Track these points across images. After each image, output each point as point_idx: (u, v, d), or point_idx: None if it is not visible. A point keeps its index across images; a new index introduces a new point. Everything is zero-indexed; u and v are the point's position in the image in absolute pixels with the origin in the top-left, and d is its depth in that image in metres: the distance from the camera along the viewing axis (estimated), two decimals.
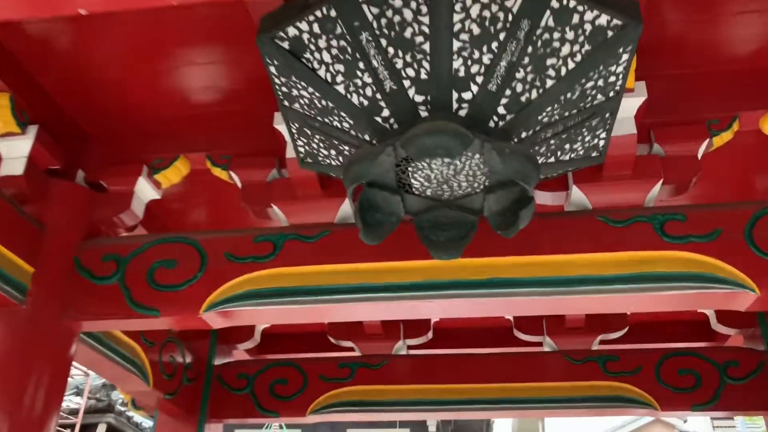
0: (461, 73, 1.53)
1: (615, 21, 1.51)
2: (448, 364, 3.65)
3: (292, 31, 1.59)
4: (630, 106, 2.22)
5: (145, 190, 2.75)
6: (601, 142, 1.90)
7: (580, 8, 1.48)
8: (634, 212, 2.31)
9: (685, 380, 3.42)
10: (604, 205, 2.38)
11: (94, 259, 2.56)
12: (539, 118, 1.64)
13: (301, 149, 1.98)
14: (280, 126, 2.38)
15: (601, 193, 2.37)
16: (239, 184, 2.65)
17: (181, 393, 3.48)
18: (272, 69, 1.70)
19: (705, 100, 2.45)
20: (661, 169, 2.34)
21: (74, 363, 2.72)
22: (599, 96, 1.70)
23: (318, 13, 1.54)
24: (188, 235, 2.57)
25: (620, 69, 1.64)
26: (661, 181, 2.33)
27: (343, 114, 1.69)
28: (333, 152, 1.89)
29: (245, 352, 4.09)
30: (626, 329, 3.61)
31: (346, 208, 2.50)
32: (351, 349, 3.88)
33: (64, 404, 9.91)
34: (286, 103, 1.80)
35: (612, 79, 1.66)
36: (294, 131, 1.91)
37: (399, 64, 1.55)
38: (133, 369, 3.09)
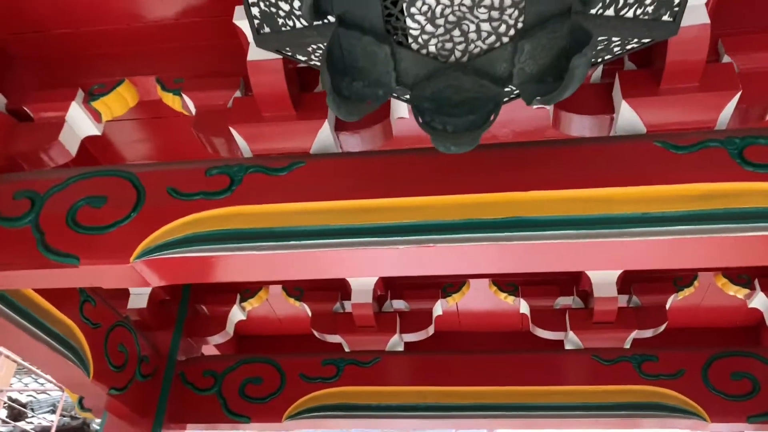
0: None
1: None
2: (451, 364, 3.00)
3: None
4: None
5: (79, 121, 2.15)
6: None
7: None
8: (704, 135, 1.70)
9: (739, 386, 2.76)
10: (663, 127, 1.77)
11: (4, 197, 1.95)
12: None
13: (255, 11, 1.38)
14: (242, 21, 1.79)
15: (658, 110, 1.76)
16: (192, 110, 2.06)
17: (132, 389, 2.83)
18: None
19: None
20: (738, 80, 1.74)
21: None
22: None
23: None
24: (123, 168, 1.96)
25: None
26: (738, 95, 1.72)
27: None
28: (296, 3, 1.29)
29: (215, 349, 3.45)
30: (665, 325, 2.96)
31: (325, 134, 1.90)
32: (338, 347, 3.24)
33: (36, 421, 9.13)
34: None
35: None
36: None
37: None
38: (67, 353, 2.45)
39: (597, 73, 1.90)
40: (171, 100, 2.11)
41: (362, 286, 3.02)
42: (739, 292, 2.97)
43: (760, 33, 1.86)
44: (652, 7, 1.30)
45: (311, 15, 1.07)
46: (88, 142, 2.29)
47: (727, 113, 1.75)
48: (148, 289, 3.06)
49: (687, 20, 1.58)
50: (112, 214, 1.85)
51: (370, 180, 1.79)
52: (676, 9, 1.32)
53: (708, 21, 1.62)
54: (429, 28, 1.18)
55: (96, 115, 2.16)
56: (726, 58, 1.83)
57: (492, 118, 1.24)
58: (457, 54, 1.22)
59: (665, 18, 1.33)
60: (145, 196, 1.87)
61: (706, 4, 1.65)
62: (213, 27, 2.08)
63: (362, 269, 1.87)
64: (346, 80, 1.20)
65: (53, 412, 7.76)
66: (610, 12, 1.23)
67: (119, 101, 2.16)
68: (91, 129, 2.18)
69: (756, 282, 2.92)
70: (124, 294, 3.10)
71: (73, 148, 2.15)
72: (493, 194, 1.70)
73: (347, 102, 1.19)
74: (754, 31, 1.87)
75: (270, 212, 1.78)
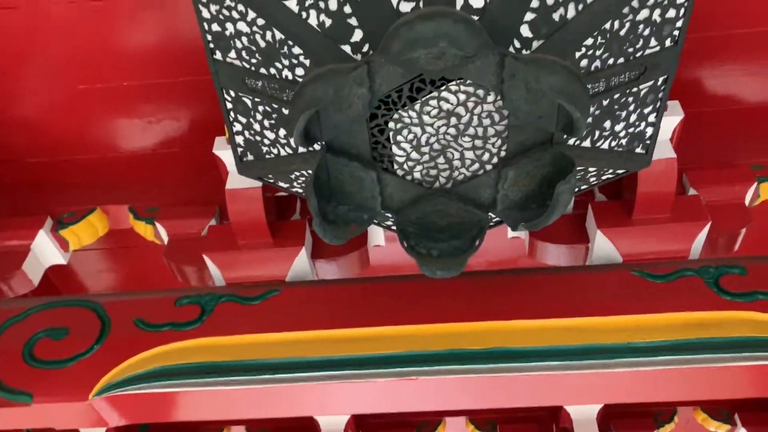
0: None
1: None
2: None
3: None
4: (665, 126, 1.72)
5: (45, 250, 2.09)
6: (649, 130, 1.36)
7: None
8: (680, 265, 1.73)
9: None
10: (639, 257, 1.80)
11: None
12: (576, 55, 1.12)
13: (240, 139, 1.40)
14: (222, 151, 1.82)
15: (633, 240, 1.80)
16: (165, 239, 2.03)
17: None
18: None
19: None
20: (706, 211, 1.80)
21: None
22: (653, 41, 1.20)
23: None
24: (88, 297, 1.88)
25: None
26: (708, 226, 1.78)
27: (295, 50, 1.15)
28: (282, 132, 1.32)
29: None
30: None
31: (301, 261, 1.87)
32: None
33: None
34: (218, 54, 1.26)
35: (671, 13, 1.17)
36: (229, 106, 1.35)
37: None
38: None
39: (570, 204, 1.95)
40: (143, 228, 2.09)
41: (333, 425, 2.86)
42: (720, 428, 2.90)
43: (719, 168, 1.97)
44: (625, 139, 1.36)
45: (302, 142, 1.09)
46: (50, 272, 2.22)
47: (699, 243, 1.79)
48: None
49: (655, 154, 1.66)
50: (73, 347, 1.75)
51: (348, 308, 1.74)
52: (648, 142, 1.39)
53: (674, 155, 1.70)
54: (414, 155, 1.20)
55: (63, 244, 2.11)
56: (692, 191, 1.90)
57: (477, 243, 1.24)
58: (442, 180, 1.24)
59: (638, 150, 1.40)
60: (110, 328, 1.79)
61: (671, 140, 1.74)
62: (191, 156, 2.10)
63: (339, 405, 1.77)
64: (332, 204, 1.20)
65: None
66: (587, 143, 1.29)
67: (89, 230, 2.13)
68: (57, 258, 2.12)
69: (736, 417, 2.87)
70: None
71: (36, 278, 2.08)
72: (475, 323, 1.67)
73: (333, 226, 1.18)
74: (713, 166, 1.97)
75: (242, 344, 1.71)
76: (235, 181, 1.80)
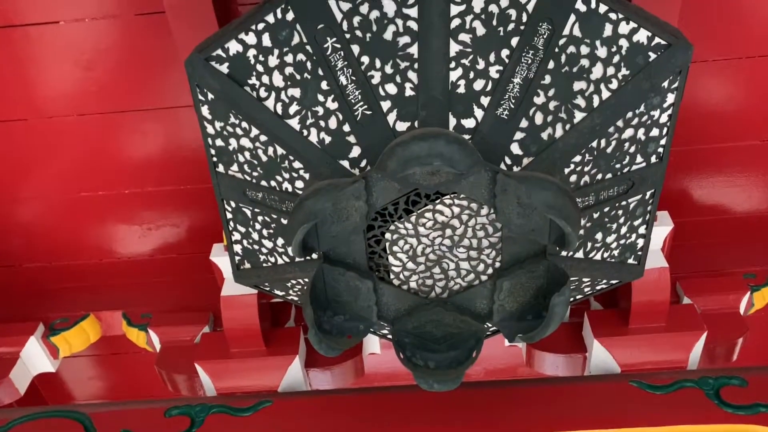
0: (461, 89, 1.10)
1: (657, 40, 1.14)
2: None
3: (234, 46, 1.17)
4: (656, 237, 1.77)
5: (34, 357, 2.07)
6: (640, 242, 1.40)
7: (613, 16, 1.11)
8: (679, 375, 1.72)
9: None
10: (637, 367, 1.79)
11: None
12: (565, 171, 1.17)
13: (238, 248, 1.43)
14: (219, 258, 1.85)
15: (630, 350, 1.80)
16: (157, 346, 2.01)
17: None
18: (205, 110, 1.24)
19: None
20: (701, 320, 1.81)
21: None
22: (639, 157, 1.25)
23: (270, 18, 1.14)
24: (74, 408, 1.84)
25: (665, 117, 1.22)
26: (704, 335, 1.78)
27: (296, 164, 1.20)
28: (280, 241, 1.35)
29: None
30: None
31: (295, 370, 1.85)
32: None
33: None
34: (220, 167, 1.31)
35: (654, 132, 1.24)
36: (229, 216, 1.39)
37: (376, 78, 1.11)
38: None
39: (566, 313, 1.96)
40: (135, 335, 2.08)
41: None
42: None
43: (712, 277, 2.00)
44: (617, 251, 1.39)
45: (300, 253, 1.12)
46: (38, 379, 2.18)
47: (696, 352, 1.79)
48: None
49: (647, 264, 1.69)
50: None
51: (342, 420, 1.71)
52: (639, 253, 1.42)
53: (666, 265, 1.73)
54: (410, 265, 1.23)
55: (53, 351, 2.09)
56: (686, 300, 1.92)
57: (475, 354, 1.24)
58: (438, 290, 1.26)
59: (630, 261, 1.43)
60: None
61: (662, 249, 1.78)
62: (187, 263, 2.13)
63: None
64: (327, 314, 1.22)
65: None
66: (580, 254, 1.32)
67: (81, 336, 2.12)
68: (46, 365, 2.10)
69: None
70: None
71: (22, 387, 2.05)
72: None
73: (328, 336, 1.19)
74: (706, 274, 2.00)
75: None
76: (231, 288, 1.82)
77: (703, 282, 1.96)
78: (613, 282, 1.47)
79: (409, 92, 1.11)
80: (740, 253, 2.05)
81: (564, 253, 1.28)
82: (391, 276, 1.25)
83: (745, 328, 1.90)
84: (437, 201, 1.15)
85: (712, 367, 1.80)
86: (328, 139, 1.17)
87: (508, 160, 1.14)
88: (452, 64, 1.10)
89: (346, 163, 1.16)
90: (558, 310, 1.10)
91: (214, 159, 1.32)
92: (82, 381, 2.45)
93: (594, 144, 1.19)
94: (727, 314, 1.92)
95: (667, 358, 1.79)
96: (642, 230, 1.38)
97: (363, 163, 1.16)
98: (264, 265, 1.42)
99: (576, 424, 1.64)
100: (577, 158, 1.19)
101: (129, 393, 2.41)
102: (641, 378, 1.73)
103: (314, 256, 1.24)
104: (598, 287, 1.46)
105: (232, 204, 1.37)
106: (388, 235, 1.20)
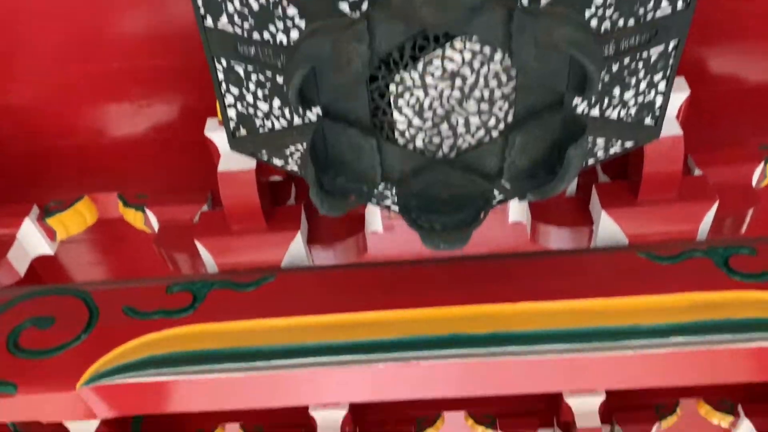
0: None
1: None
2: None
3: None
4: (671, 103, 1.67)
5: (31, 239, 2.02)
6: (658, 100, 1.31)
7: None
8: (688, 246, 1.68)
9: None
10: (645, 238, 1.74)
11: None
12: (586, 13, 1.06)
13: (232, 112, 1.34)
14: (213, 133, 1.75)
15: (638, 221, 1.74)
16: (155, 227, 1.96)
17: None
18: None
19: None
20: (714, 191, 1.74)
21: None
22: (664, 2, 1.14)
23: None
24: (76, 286, 1.81)
25: None
26: (716, 205, 1.72)
27: (290, 11, 1.08)
28: (276, 103, 1.25)
29: None
30: None
31: (297, 247, 1.81)
32: None
33: None
34: (209, 20, 1.20)
35: None
36: (221, 76, 1.29)
37: None
38: None
39: (572, 187, 1.90)
40: (133, 216, 2.02)
41: (329, 422, 2.79)
42: (723, 420, 2.84)
43: (725, 149, 1.91)
44: (634, 109, 1.30)
45: (298, 102, 1.03)
46: (37, 263, 2.14)
47: (706, 224, 1.74)
48: (92, 431, 2.77)
49: (661, 132, 1.60)
50: (60, 336, 1.68)
51: (346, 294, 1.68)
52: (657, 112, 1.33)
53: (681, 132, 1.64)
54: (416, 121, 1.14)
55: (50, 233, 2.04)
56: (698, 171, 1.85)
57: (482, 215, 1.18)
58: (445, 149, 1.18)
59: (647, 121, 1.34)
60: (98, 316, 1.72)
61: (677, 117, 1.68)
62: (182, 142, 2.03)
63: (335, 393, 1.70)
64: (329, 175, 1.14)
65: None
66: (596, 112, 1.23)
67: (77, 219, 2.05)
68: (44, 248, 2.05)
69: (740, 408, 2.81)
70: None
71: (21, 269, 2.00)
72: (475, 307, 1.61)
73: (330, 197, 1.12)
74: (719, 147, 1.92)
75: (236, 331, 1.64)
76: (228, 163, 1.74)
77: (716, 154, 1.88)
78: (627, 145, 1.39)
79: None
80: (756, 125, 1.96)
81: (580, 110, 1.19)
82: (396, 134, 1.17)
83: (756, 199, 1.84)
84: (447, 45, 1.05)
85: (722, 238, 1.75)
86: None
87: (524, 1, 1.03)
88: None
89: (345, 6, 1.05)
90: (574, 162, 1.03)
91: (202, 11, 1.20)
92: (82, 266, 2.42)
93: None
94: (739, 186, 1.85)
95: (677, 228, 1.73)
96: (661, 87, 1.29)
97: (364, 6, 1.04)
98: (260, 131, 1.33)
99: (582, 294, 1.61)
100: (599, 0, 1.07)
101: (130, 276, 2.38)
102: (649, 249, 1.69)
103: (313, 118, 1.15)
104: (611, 151, 1.39)
105: (224, 62, 1.26)
106: (392, 87, 1.10)
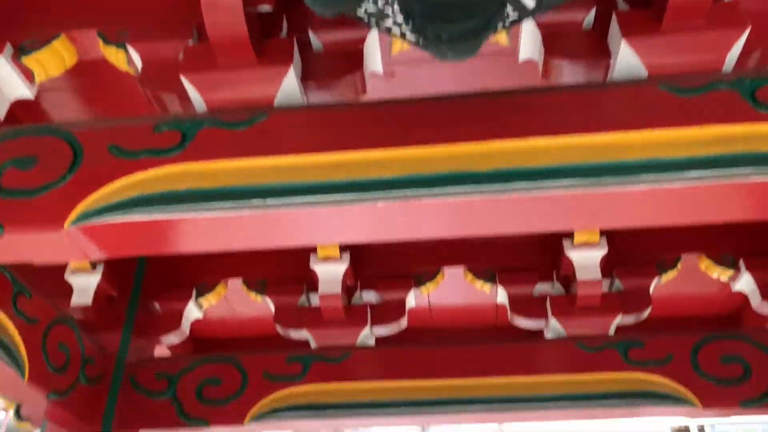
0: None
1: None
2: (424, 357, 2.78)
3: None
4: None
5: (8, 80, 1.88)
6: None
7: None
8: (712, 77, 1.54)
9: (730, 370, 2.60)
10: (666, 69, 1.60)
11: None
12: None
13: None
14: None
15: (661, 51, 1.59)
16: (139, 66, 1.81)
17: (75, 394, 2.52)
18: None
19: None
20: (745, 17, 1.58)
21: None
22: None
23: None
24: (58, 126, 1.69)
25: None
26: (746, 32, 1.57)
27: None
28: None
29: (169, 352, 3.16)
30: (649, 310, 2.79)
31: (290, 84, 1.67)
32: (303, 345, 2.97)
33: None
34: None
35: None
36: None
37: None
38: None
39: (589, 18, 1.73)
40: (114, 55, 1.86)
41: (330, 275, 2.79)
42: (723, 274, 2.84)
43: None
44: None
45: None
46: (17, 108, 2.01)
47: (734, 53, 1.59)
48: (93, 285, 2.77)
49: None
50: (43, 177, 1.59)
51: (343, 132, 1.57)
52: None
53: None
54: None
55: (28, 74, 1.89)
56: None
57: (494, 24, 1.04)
58: None
59: None
60: (82, 156, 1.62)
61: None
62: None
63: (336, 233, 1.63)
64: None
65: None
66: None
67: (55, 58, 1.90)
68: (22, 90, 1.91)
69: (741, 262, 2.79)
70: (66, 291, 2.79)
71: (1, 111, 1.88)
72: (481, 143, 1.50)
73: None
74: None
75: (228, 169, 1.55)
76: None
77: None
78: None
79: None
80: None
81: None
82: None
83: None
84: None
85: (750, 69, 1.61)
86: None
87: None
88: None
89: None
90: None
91: None
92: (65, 112, 2.29)
93: None
94: None
95: (702, 58, 1.59)
96: None
97: None
98: None
99: (596, 128, 1.49)
100: None
101: None
102: (671, 81, 1.55)
103: None
104: None
105: None
106: None
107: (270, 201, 1.49)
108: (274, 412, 2.66)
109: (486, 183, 1.46)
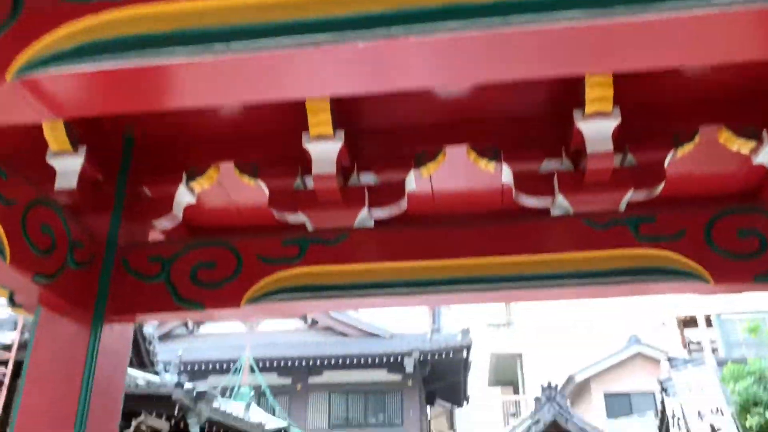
0: None
1: None
2: (427, 238, 2.66)
3: None
4: None
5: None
6: None
7: None
8: None
9: (746, 244, 2.46)
10: None
11: None
12: None
13: None
14: None
15: None
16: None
17: (65, 278, 2.45)
18: None
19: None
20: None
21: None
22: None
23: None
24: None
25: None
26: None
27: None
28: None
29: (164, 238, 3.06)
30: (662, 185, 2.61)
31: None
32: (301, 228, 2.86)
33: None
34: None
35: None
36: None
37: None
38: None
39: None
40: None
41: (324, 154, 2.62)
42: (744, 146, 2.64)
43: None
44: None
45: None
46: None
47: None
48: (77, 168, 2.63)
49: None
50: None
51: None
52: None
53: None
54: None
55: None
56: None
57: None
58: None
59: None
60: (23, 2, 1.42)
61: None
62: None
63: (312, 82, 1.44)
64: None
65: (13, 329, 7.41)
66: None
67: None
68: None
69: (764, 133, 2.59)
70: (49, 176, 2.66)
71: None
72: None
73: None
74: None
75: (186, 10, 1.35)
76: None
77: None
78: None
79: None
80: None
81: None
82: None
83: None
84: None
85: None
86: None
87: None
88: None
89: None
90: None
91: None
92: None
93: None
94: None
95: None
96: None
97: None
98: None
99: None
100: None
101: None
102: None
103: None
104: None
105: None
106: None
107: (234, 45, 1.30)
108: (271, 294, 2.59)
109: (481, 16, 1.25)
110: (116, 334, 2.64)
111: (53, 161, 2.61)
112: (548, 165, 2.70)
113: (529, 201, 2.70)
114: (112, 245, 2.67)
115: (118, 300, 2.61)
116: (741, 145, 2.64)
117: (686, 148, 2.66)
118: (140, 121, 2.76)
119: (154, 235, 2.96)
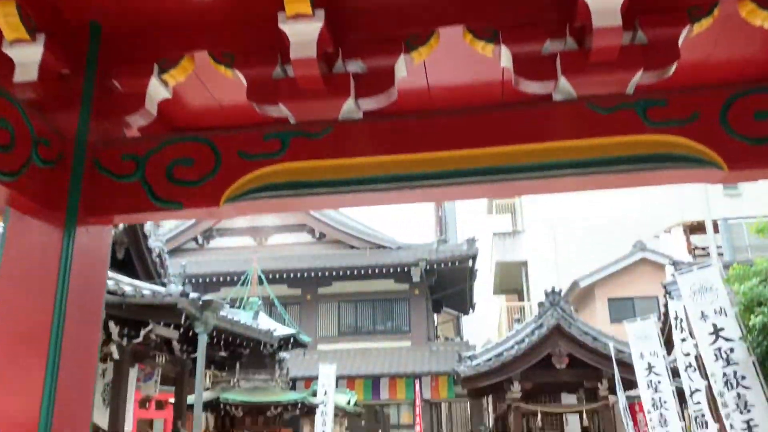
0: None
1: None
2: (419, 129, 2.46)
3: None
4: None
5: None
6: None
7: None
8: None
9: (764, 127, 2.25)
10: None
11: None
12: None
13: None
14: None
15: None
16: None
17: (30, 177, 2.27)
18: None
19: None
20: None
21: None
22: None
23: None
24: None
25: None
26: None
27: None
28: None
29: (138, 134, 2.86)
30: (675, 64, 2.36)
31: None
32: (285, 122, 2.64)
33: None
34: None
35: None
36: None
37: None
38: None
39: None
40: None
41: (302, 36, 2.37)
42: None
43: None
44: None
45: None
46: None
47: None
48: (36, 58, 2.40)
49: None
50: None
51: None
52: None
53: None
54: None
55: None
56: None
57: None
58: None
59: None
60: None
61: None
62: None
63: None
64: None
65: None
66: None
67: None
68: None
69: None
70: (10, 69, 2.44)
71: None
72: None
73: None
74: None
75: None
76: None
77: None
78: None
79: None
80: None
81: None
82: None
83: None
84: None
85: None
86: None
87: None
88: None
89: None
90: None
91: None
92: None
93: None
94: None
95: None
96: None
97: None
98: None
99: None
100: None
101: None
102: None
103: None
104: None
105: None
106: None
107: None
108: (252, 192, 2.43)
109: None
110: (93, 237, 2.50)
111: (9, 51, 2.38)
112: (550, 46, 2.45)
113: (531, 86, 2.46)
114: (81, 143, 2.48)
115: (92, 201, 2.46)
116: (765, 19, 2.37)
117: (703, 24, 2.39)
118: (105, 7, 2.51)
119: (133, 135, 2.77)
